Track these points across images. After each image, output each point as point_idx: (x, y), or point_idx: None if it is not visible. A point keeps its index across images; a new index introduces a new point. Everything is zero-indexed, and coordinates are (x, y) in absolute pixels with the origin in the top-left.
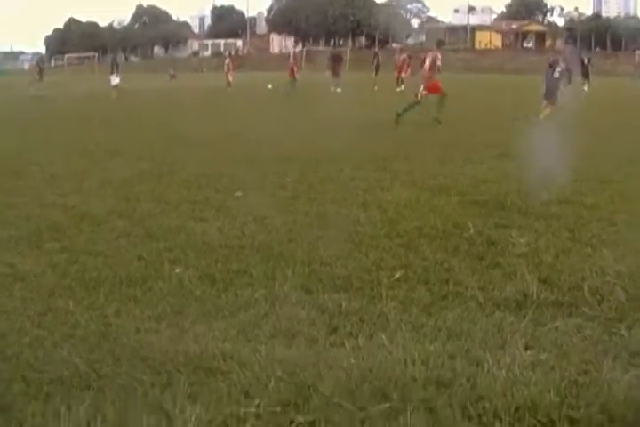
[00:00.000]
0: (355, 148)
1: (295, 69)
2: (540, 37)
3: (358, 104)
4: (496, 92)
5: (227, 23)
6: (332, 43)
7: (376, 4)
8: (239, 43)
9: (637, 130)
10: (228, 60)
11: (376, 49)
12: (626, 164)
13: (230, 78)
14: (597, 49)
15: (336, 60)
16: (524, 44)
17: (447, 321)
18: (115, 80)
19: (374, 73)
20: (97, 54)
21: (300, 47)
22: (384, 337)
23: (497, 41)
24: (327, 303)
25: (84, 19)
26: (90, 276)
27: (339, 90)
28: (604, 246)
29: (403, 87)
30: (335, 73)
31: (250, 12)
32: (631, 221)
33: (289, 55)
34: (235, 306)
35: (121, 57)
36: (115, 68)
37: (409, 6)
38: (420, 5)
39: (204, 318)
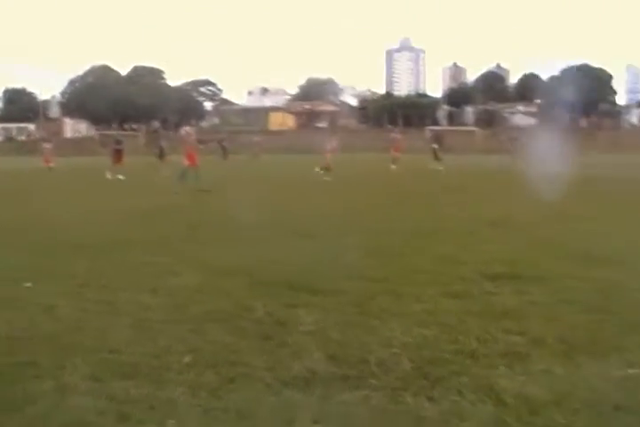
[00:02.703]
0: (145, 233)
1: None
2: (333, 117)
3: (144, 189)
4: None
5: (18, 106)
6: (125, 126)
7: (169, 87)
8: (31, 126)
9: (424, 206)
10: (48, 145)
11: (162, 132)
12: (411, 238)
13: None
14: (390, 126)
15: (118, 146)
16: (317, 124)
17: (235, 403)
18: None
19: (159, 157)
20: None
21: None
22: (174, 422)
23: (290, 121)
24: (116, 391)
25: None
26: None
27: (120, 177)
28: (391, 319)
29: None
30: (117, 159)
31: (43, 95)
32: (416, 292)
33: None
34: (23, 399)
35: None
36: None
37: (202, 89)
38: (213, 88)
39: None
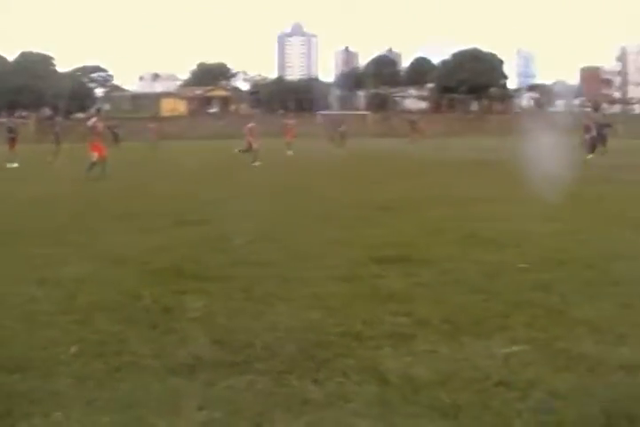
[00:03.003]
0: (34, 223)
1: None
2: (225, 102)
3: (37, 178)
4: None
5: None
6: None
7: (58, 73)
8: None
9: (317, 191)
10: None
11: (57, 119)
12: (301, 222)
13: None
14: (282, 111)
15: (10, 134)
16: (209, 110)
17: (121, 392)
18: None
19: (55, 144)
20: None
21: None
22: (60, 414)
23: (182, 107)
24: (1, 386)
25: None
26: None
27: (15, 165)
28: (277, 303)
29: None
30: (11, 146)
31: None
32: (303, 276)
33: None
34: None
35: None
36: None
37: (92, 75)
38: (104, 74)
39: None
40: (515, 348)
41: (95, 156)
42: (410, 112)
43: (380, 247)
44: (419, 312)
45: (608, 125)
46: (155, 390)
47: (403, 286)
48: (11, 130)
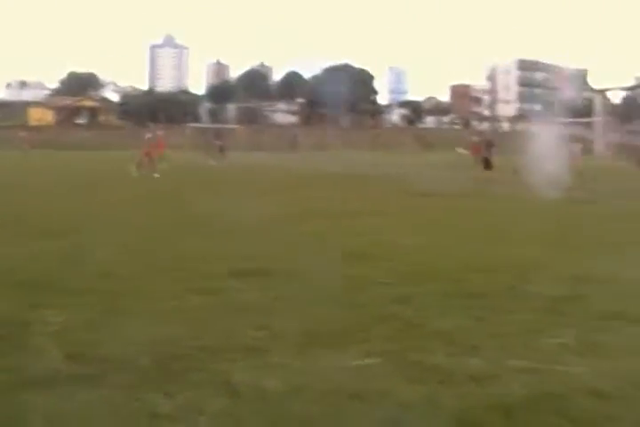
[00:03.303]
0: None
1: None
2: (94, 113)
3: None
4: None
5: None
6: None
7: None
8: None
9: (185, 203)
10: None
11: None
12: (162, 235)
13: None
14: (151, 123)
15: None
16: (77, 120)
17: None
18: None
19: None
20: None
21: None
22: None
23: (49, 117)
24: None
25: None
26: None
27: None
28: (135, 317)
29: None
30: None
31: None
32: (163, 290)
33: None
34: None
35: None
36: None
37: None
38: None
39: None
40: (367, 360)
41: None
42: (279, 126)
43: (241, 260)
44: (276, 326)
45: (492, 144)
46: (5, 405)
47: (261, 300)
48: None
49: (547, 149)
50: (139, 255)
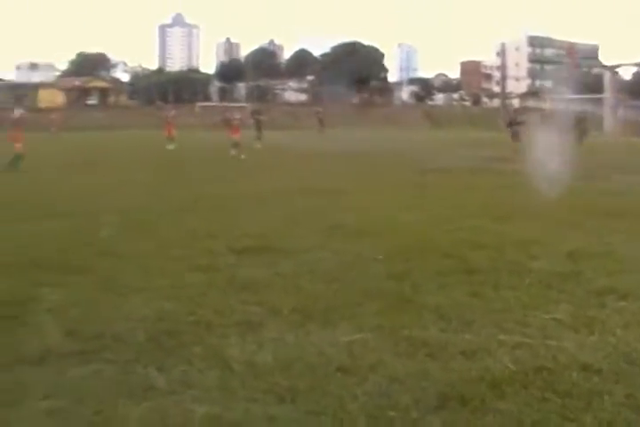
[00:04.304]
0: None
1: None
2: (104, 93)
3: None
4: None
5: None
6: None
7: None
8: None
9: (189, 182)
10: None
11: None
12: (166, 214)
13: None
14: (161, 103)
15: None
16: (88, 101)
17: None
18: None
19: None
20: None
21: None
22: None
23: (59, 98)
24: None
25: None
26: None
27: None
28: (133, 294)
29: None
30: None
31: None
32: (162, 267)
33: None
34: None
35: None
36: None
37: None
38: None
39: None
40: (358, 335)
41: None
42: (289, 104)
43: (242, 237)
44: (271, 301)
45: (521, 122)
46: (1, 380)
47: (259, 276)
48: None
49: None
50: (142, 234)
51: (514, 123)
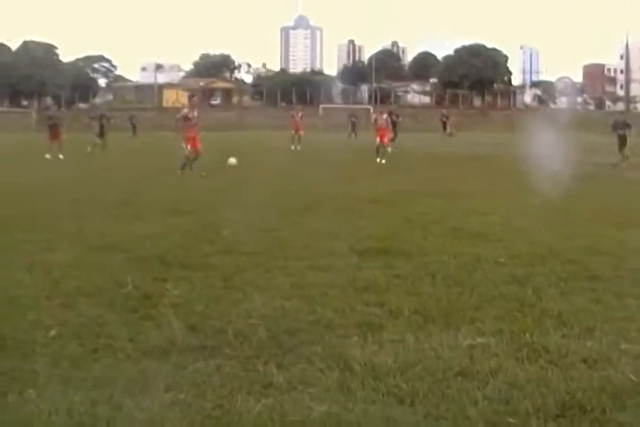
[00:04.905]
0: (23, 211)
1: None
2: (227, 94)
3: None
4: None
5: None
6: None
7: (62, 62)
8: None
9: (308, 182)
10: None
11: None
12: (287, 213)
13: None
14: (284, 104)
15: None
16: (212, 102)
17: (94, 372)
18: None
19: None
20: None
21: None
22: (32, 392)
23: (183, 99)
24: None
25: None
26: None
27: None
28: (255, 292)
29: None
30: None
31: None
32: (284, 266)
33: None
34: None
35: None
36: None
37: (95, 65)
38: (107, 64)
39: None
40: (479, 339)
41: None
42: (412, 107)
43: (363, 239)
44: (391, 303)
45: (627, 125)
46: (127, 371)
47: (379, 278)
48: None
49: None
50: (263, 233)
51: (618, 126)
